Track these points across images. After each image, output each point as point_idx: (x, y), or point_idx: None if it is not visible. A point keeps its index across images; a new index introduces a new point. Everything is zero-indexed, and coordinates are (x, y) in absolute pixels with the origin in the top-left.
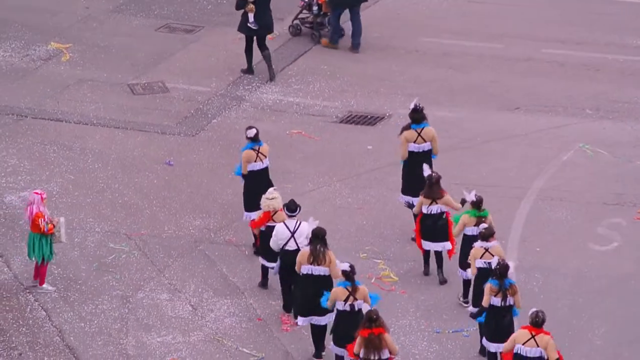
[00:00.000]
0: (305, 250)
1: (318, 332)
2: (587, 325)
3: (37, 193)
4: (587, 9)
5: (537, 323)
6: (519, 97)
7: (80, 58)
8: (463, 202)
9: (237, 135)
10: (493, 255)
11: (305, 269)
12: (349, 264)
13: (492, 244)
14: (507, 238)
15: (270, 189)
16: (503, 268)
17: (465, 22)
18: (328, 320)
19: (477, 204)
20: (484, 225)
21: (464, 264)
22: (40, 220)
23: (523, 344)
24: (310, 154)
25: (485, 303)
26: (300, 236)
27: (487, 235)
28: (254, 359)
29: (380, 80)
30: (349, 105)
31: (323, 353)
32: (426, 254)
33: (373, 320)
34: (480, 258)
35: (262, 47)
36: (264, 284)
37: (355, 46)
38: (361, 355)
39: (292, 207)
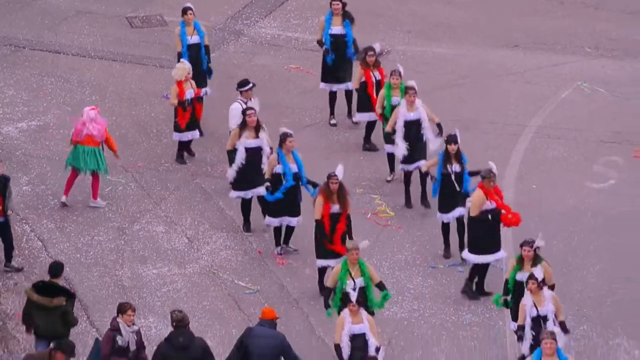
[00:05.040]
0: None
1: (245, 205)
2: (582, 263)
3: (92, 109)
4: None
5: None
6: (518, 34)
7: None
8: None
9: (235, 70)
10: None
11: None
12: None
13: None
14: (504, 175)
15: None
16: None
17: None
18: (253, 193)
19: None
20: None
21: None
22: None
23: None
24: (308, 89)
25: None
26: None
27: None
28: (249, 292)
29: (378, 15)
30: None
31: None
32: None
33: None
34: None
35: None
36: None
37: None
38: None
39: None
